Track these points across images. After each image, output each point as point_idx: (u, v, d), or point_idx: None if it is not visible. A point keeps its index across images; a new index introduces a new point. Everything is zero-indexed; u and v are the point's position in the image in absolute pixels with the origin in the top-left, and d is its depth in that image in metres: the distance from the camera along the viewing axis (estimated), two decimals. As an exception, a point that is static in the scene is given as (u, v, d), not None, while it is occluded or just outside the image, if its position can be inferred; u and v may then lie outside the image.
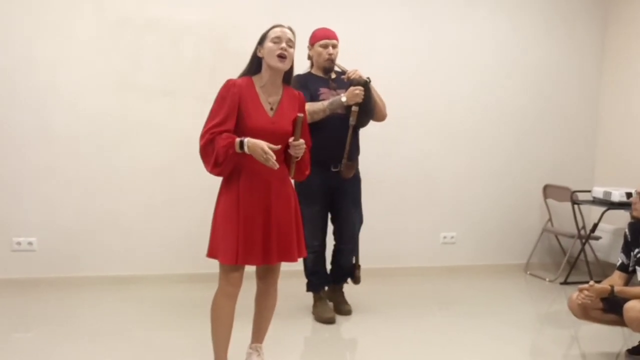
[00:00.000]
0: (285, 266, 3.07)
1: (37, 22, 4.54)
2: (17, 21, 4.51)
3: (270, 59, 2.86)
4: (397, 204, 5.28)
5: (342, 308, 4.21)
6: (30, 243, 4.62)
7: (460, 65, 5.49)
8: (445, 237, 5.60)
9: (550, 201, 5.72)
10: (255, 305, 3.15)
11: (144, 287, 4.68)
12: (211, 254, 2.94)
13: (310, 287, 4.21)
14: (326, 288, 4.25)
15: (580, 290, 3.51)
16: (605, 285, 3.55)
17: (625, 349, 3.78)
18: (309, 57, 4.06)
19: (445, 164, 5.52)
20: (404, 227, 5.40)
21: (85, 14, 4.63)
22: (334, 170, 3.96)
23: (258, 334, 3.16)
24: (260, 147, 2.75)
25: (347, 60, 4.07)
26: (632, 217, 3.78)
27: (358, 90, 3.82)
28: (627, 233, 3.73)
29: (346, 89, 3.89)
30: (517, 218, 5.77)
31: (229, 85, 2.87)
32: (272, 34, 2.88)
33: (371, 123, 4.08)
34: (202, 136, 2.84)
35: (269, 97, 2.91)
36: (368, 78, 3.89)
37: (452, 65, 5.47)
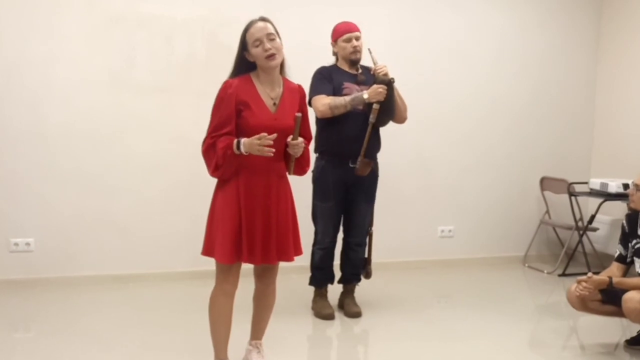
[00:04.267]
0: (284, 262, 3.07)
1: (29, 21, 4.50)
2: (8, 20, 4.48)
3: (261, 62, 2.83)
4: (394, 198, 5.27)
5: (351, 310, 4.13)
6: (27, 244, 4.60)
7: (455, 57, 5.48)
8: (443, 231, 5.61)
9: (547, 193, 5.72)
10: (253, 304, 3.14)
11: (142, 286, 4.67)
12: (207, 252, 2.91)
13: (313, 282, 4.19)
14: (329, 286, 4.23)
15: (579, 282, 3.52)
16: (603, 276, 3.55)
17: (623, 339, 3.79)
18: (334, 54, 4.04)
19: (442, 157, 5.52)
20: (402, 221, 5.40)
21: (77, 12, 4.60)
22: (351, 165, 3.93)
23: (258, 331, 3.16)
24: (255, 139, 2.73)
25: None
26: (630, 208, 3.79)
27: (381, 88, 3.77)
28: (625, 224, 3.74)
29: (371, 84, 3.86)
30: (515, 210, 5.77)
31: (226, 87, 2.85)
32: (250, 39, 2.81)
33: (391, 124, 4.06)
34: (204, 141, 2.85)
35: (270, 92, 2.89)
36: (392, 78, 3.86)
37: (447, 57, 5.46)
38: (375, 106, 3.81)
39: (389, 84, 3.81)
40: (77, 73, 4.63)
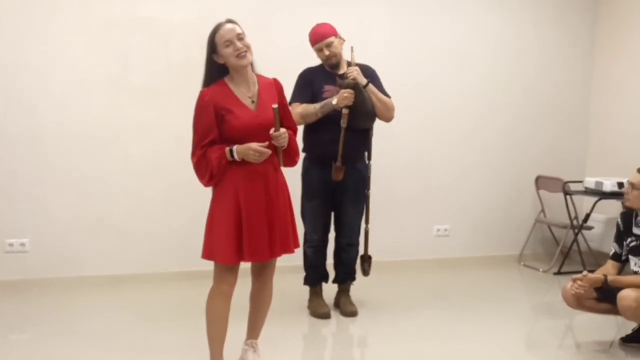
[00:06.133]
0: (280, 261, 3.07)
1: (26, 25, 4.50)
2: (5, 24, 4.47)
3: (232, 61, 2.85)
4: (390, 197, 5.27)
5: (347, 309, 4.14)
6: (22, 244, 4.59)
7: (452, 58, 5.49)
8: (438, 230, 5.61)
9: (542, 192, 5.73)
10: (250, 302, 3.15)
11: (138, 287, 4.66)
12: (207, 255, 2.89)
13: (307, 281, 4.20)
14: (323, 284, 4.24)
15: (574, 280, 3.53)
16: (598, 274, 3.56)
17: (619, 337, 3.80)
18: None
19: (438, 157, 5.52)
20: (398, 220, 5.40)
21: (74, 15, 4.59)
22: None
23: (254, 330, 3.16)
24: (250, 148, 2.79)
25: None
26: (624, 206, 3.80)
27: (347, 93, 3.77)
28: (620, 222, 3.75)
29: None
30: (510, 209, 5.78)
31: (202, 96, 2.88)
32: (220, 39, 2.85)
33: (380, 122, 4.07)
34: (194, 153, 2.87)
35: (247, 91, 2.91)
36: (368, 81, 3.87)
37: (444, 58, 5.46)
38: (345, 111, 3.81)
39: (355, 87, 3.80)
40: (74, 76, 4.62)
